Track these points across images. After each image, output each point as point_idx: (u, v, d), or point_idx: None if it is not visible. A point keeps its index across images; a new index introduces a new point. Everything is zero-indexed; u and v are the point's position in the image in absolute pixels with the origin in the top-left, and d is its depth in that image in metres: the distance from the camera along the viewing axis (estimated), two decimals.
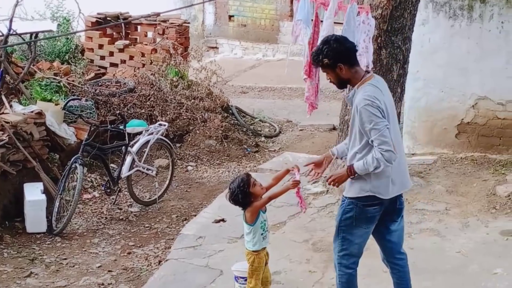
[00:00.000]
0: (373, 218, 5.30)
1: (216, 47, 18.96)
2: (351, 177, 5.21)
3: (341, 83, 5.31)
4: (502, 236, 7.38)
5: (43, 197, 8.00)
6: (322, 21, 7.45)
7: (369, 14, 7.25)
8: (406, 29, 8.44)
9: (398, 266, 5.58)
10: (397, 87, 8.51)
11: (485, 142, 9.83)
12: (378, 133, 5.01)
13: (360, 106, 5.07)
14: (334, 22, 7.25)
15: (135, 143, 8.71)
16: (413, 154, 10.06)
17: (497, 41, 9.59)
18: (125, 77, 11.22)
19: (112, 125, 9.22)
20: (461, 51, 9.74)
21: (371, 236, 5.46)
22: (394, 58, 8.37)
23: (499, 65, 9.59)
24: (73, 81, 10.52)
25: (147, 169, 8.91)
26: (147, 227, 8.27)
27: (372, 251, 5.79)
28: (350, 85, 5.31)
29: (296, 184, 5.66)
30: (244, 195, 5.60)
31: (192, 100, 10.96)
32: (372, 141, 5.06)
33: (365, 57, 7.36)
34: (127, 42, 12.35)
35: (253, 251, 5.69)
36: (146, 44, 12.27)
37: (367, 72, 5.30)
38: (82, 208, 8.55)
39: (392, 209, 5.37)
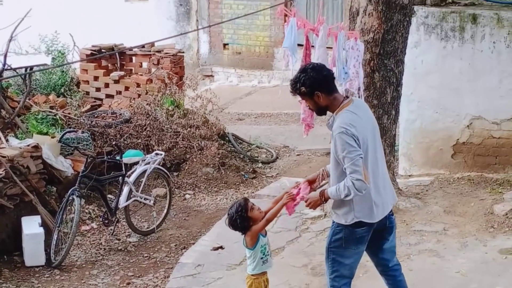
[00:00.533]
0: (362, 239, 5.33)
1: (211, 75, 19.06)
2: (324, 201, 5.34)
3: (320, 110, 5.35)
4: (501, 254, 7.38)
5: (41, 230, 7.99)
6: (313, 46, 7.53)
7: (358, 40, 7.34)
8: (398, 52, 8.51)
9: (392, 277, 5.64)
10: (391, 110, 8.57)
11: (481, 161, 9.87)
12: (350, 162, 5.05)
13: (335, 133, 5.12)
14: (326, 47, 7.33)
15: (132, 173, 8.73)
16: (409, 175, 10.09)
17: (489, 61, 9.65)
18: (121, 108, 11.27)
19: (109, 156, 9.23)
20: (454, 72, 9.80)
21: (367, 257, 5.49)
22: (387, 81, 8.44)
23: (492, 84, 9.65)
24: (69, 113, 10.56)
25: (145, 199, 8.91)
26: (146, 256, 8.26)
27: (372, 273, 5.79)
28: (329, 111, 5.33)
29: (290, 195, 5.60)
30: (242, 219, 5.60)
31: (188, 129, 10.99)
32: (345, 168, 5.10)
33: (356, 82, 7.44)
34: (122, 73, 12.42)
35: (252, 275, 5.69)
36: (141, 75, 12.35)
37: (346, 97, 5.32)
38: (81, 240, 8.54)
39: (383, 228, 5.41)
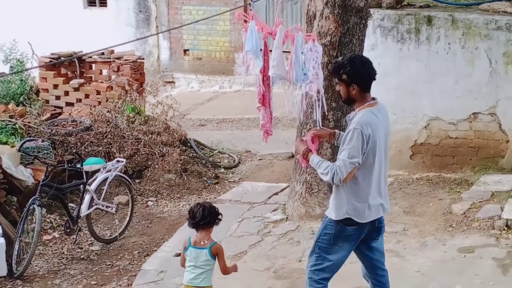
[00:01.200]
0: (350, 237, 5.45)
1: (172, 82, 19.05)
2: (304, 159, 5.54)
3: (348, 100, 5.49)
4: (460, 253, 7.51)
5: (2, 240, 7.91)
6: (271, 50, 7.57)
7: (316, 41, 7.38)
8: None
9: (379, 283, 5.75)
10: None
11: (439, 161, 10.01)
12: (344, 159, 5.21)
13: (352, 127, 5.27)
14: (283, 51, 7.36)
15: (93, 181, 8.69)
16: None
17: (445, 62, 9.80)
18: (81, 116, 11.21)
19: (70, 164, 9.18)
20: (411, 74, 9.94)
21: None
22: None
23: (448, 85, 9.81)
24: (29, 122, 10.49)
25: (107, 207, 8.88)
26: (109, 265, 8.23)
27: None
28: (353, 106, 5.45)
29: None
30: (216, 219, 5.70)
31: (150, 135, 10.98)
32: (338, 157, 5.27)
33: (315, 84, 7.48)
34: (82, 80, 12.36)
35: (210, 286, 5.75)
36: (101, 82, 12.30)
37: (373, 99, 5.44)
38: (43, 250, 8.48)
39: (372, 228, 5.52)
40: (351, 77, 5.33)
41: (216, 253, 5.67)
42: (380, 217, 5.56)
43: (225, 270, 5.76)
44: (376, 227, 5.55)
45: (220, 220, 5.74)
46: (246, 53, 6.93)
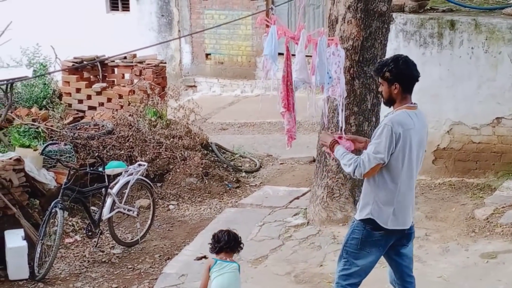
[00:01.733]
0: (377, 243, 5.43)
1: (194, 86, 19.09)
2: (330, 149, 5.61)
3: (389, 100, 5.47)
4: (482, 258, 7.45)
5: (24, 243, 7.97)
6: (293, 55, 7.56)
7: (338, 45, 7.35)
8: (377, 59, 8.54)
9: None
10: (372, 116, 8.62)
11: (462, 166, 9.95)
12: (370, 154, 5.24)
13: (383, 122, 5.32)
14: (305, 55, 7.36)
15: (115, 184, 8.72)
16: None
17: (467, 66, 9.76)
18: (104, 120, 11.27)
19: (92, 168, 9.22)
20: (433, 78, 9.88)
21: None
22: (367, 88, 8.49)
23: (471, 90, 9.75)
24: (51, 126, 10.56)
25: (128, 210, 8.91)
26: (130, 268, 8.25)
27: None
28: (394, 105, 5.46)
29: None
30: (238, 247, 5.85)
31: (171, 139, 11.01)
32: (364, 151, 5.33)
33: (338, 88, 7.46)
34: (104, 84, 12.44)
35: None
36: (123, 86, 12.36)
37: (414, 103, 5.44)
38: (64, 253, 8.52)
39: (401, 235, 5.51)
40: (394, 75, 5.34)
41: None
42: (412, 222, 5.55)
43: None
44: (406, 234, 5.53)
45: (241, 248, 5.85)
46: (266, 57, 6.93)
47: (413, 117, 5.34)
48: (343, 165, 5.40)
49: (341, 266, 5.56)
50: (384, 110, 9.41)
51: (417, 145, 5.36)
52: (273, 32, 7.16)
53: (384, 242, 5.44)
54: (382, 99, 5.59)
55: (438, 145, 10.04)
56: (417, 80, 5.46)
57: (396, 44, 9.91)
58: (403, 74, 5.37)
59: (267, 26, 7.01)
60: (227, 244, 5.75)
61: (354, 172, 5.29)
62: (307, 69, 7.06)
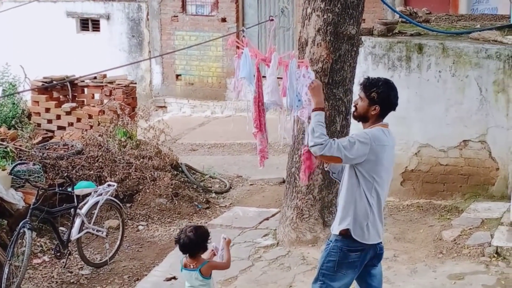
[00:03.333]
0: (353, 264, 5.45)
1: (164, 106, 19.10)
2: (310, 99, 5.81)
3: (362, 117, 5.49)
4: (450, 280, 7.51)
5: None
6: (264, 77, 7.61)
7: (309, 68, 7.42)
8: (347, 81, 8.66)
9: None
10: (341, 138, 8.67)
11: (430, 188, 10.06)
12: (340, 142, 5.25)
13: (364, 131, 5.40)
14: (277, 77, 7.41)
15: (84, 204, 8.67)
16: None
17: (435, 90, 9.90)
18: (73, 140, 11.22)
19: (60, 188, 9.16)
20: (401, 100, 9.67)
21: None
22: (336, 110, 8.57)
23: (439, 113, 9.88)
24: (20, 145, 10.49)
25: (97, 231, 8.86)
26: None
27: None
28: (364, 124, 5.48)
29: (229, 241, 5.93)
30: (201, 246, 5.72)
31: (141, 160, 10.99)
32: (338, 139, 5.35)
33: (307, 110, 7.51)
34: (74, 104, 12.39)
35: None
36: (93, 106, 12.33)
37: (386, 123, 5.50)
38: (32, 273, 8.44)
39: (374, 254, 5.53)
40: (380, 98, 5.37)
41: (209, 271, 5.70)
42: (380, 243, 5.58)
43: (226, 266, 5.81)
44: (377, 254, 5.57)
45: (205, 247, 5.75)
46: (238, 79, 6.97)
47: (387, 134, 5.42)
48: (312, 131, 5.36)
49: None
50: (353, 131, 9.53)
51: (390, 162, 5.45)
52: (247, 54, 7.21)
53: (359, 263, 5.47)
54: (353, 111, 5.59)
55: (406, 167, 10.15)
56: (394, 109, 5.54)
57: (365, 67, 10.03)
58: (389, 100, 5.43)
59: (238, 47, 7.06)
60: (185, 250, 5.71)
61: (315, 145, 5.28)
62: (278, 91, 7.11)
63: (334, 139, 5.33)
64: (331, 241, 5.54)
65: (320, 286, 5.54)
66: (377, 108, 5.39)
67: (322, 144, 5.26)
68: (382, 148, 5.33)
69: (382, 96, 5.39)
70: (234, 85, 7.03)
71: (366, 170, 5.32)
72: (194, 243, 5.69)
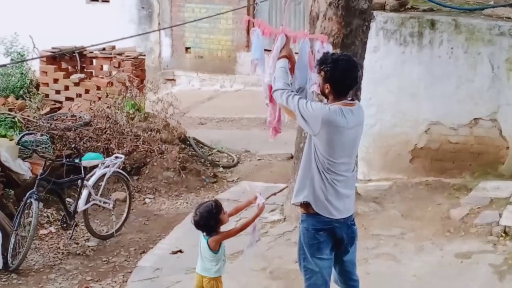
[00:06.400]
0: (321, 245, 5.33)
1: (173, 79, 18.99)
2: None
3: (323, 94, 5.35)
4: (457, 258, 7.47)
5: None
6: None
7: (324, 42, 7.29)
8: (357, 57, 8.53)
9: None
10: None
11: (439, 166, 9.98)
12: (300, 101, 5.17)
13: (326, 103, 5.25)
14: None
15: (91, 176, 8.66)
16: (368, 180, 10.17)
17: (447, 66, 9.79)
18: (81, 111, 11.20)
19: (68, 159, 9.15)
20: (412, 77, 9.92)
21: None
22: None
23: (450, 90, 9.78)
24: (28, 116, 10.47)
25: (104, 203, 8.86)
26: (104, 261, 8.20)
27: None
28: (327, 99, 5.33)
29: (263, 208, 5.72)
30: (214, 220, 5.60)
31: (149, 132, 10.96)
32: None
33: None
34: (82, 75, 12.36)
35: (214, 277, 5.68)
36: (102, 78, 12.29)
37: (352, 100, 5.30)
38: (38, 244, 8.45)
39: (345, 238, 5.41)
40: (328, 76, 5.20)
41: (216, 245, 5.62)
42: (353, 226, 5.45)
43: (242, 229, 5.77)
44: (350, 237, 5.43)
45: (219, 220, 5.65)
46: (253, 61, 6.87)
47: (347, 114, 5.14)
48: (278, 76, 5.38)
49: (304, 276, 5.48)
50: (363, 108, 9.45)
51: (349, 143, 5.24)
52: (259, 35, 7.10)
53: (326, 240, 5.32)
54: None
55: (416, 144, 10.07)
56: (352, 88, 5.34)
57: (376, 42, 9.92)
58: (335, 80, 5.18)
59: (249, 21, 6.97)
60: (201, 229, 5.65)
61: (277, 90, 5.30)
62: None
63: (297, 94, 5.27)
64: (299, 223, 5.45)
65: (304, 272, 5.47)
66: (328, 86, 5.21)
67: (283, 89, 5.25)
68: (335, 129, 5.11)
69: (329, 76, 5.18)
70: (252, 62, 6.93)
71: (320, 150, 5.17)
72: (205, 226, 5.62)
